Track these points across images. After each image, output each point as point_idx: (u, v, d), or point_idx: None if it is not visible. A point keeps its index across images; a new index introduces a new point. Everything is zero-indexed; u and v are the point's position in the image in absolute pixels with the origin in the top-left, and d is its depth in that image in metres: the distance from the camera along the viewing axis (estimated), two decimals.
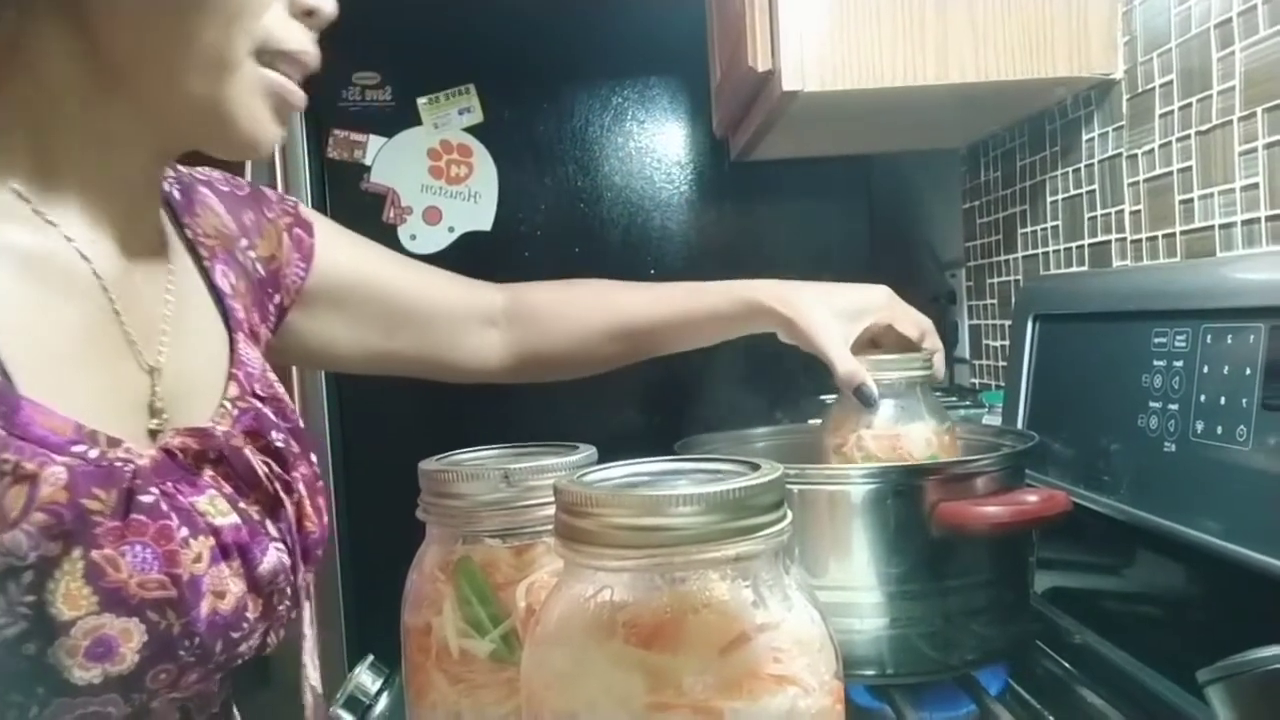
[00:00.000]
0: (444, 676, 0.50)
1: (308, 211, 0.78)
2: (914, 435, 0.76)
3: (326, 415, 1.50)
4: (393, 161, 1.50)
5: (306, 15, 0.58)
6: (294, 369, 1.49)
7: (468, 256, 1.51)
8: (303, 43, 0.58)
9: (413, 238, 1.50)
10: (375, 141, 1.49)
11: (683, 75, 1.50)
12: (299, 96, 0.59)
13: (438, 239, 1.51)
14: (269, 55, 0.56)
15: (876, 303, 0.82)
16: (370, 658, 0.75)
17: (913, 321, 0.83)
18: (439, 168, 1.50)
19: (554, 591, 0.39)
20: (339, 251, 0.80)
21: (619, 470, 0.42)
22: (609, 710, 0.35)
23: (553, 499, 0.39)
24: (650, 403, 1.47)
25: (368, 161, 1.49)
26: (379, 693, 0.73)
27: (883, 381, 0.76)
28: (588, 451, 0.54)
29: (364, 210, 1.48)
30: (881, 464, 0.76)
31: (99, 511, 0.48)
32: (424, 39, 1.48)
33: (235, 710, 0.63)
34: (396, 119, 1.49)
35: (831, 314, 0.79)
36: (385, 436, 1.49)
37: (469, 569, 0.51)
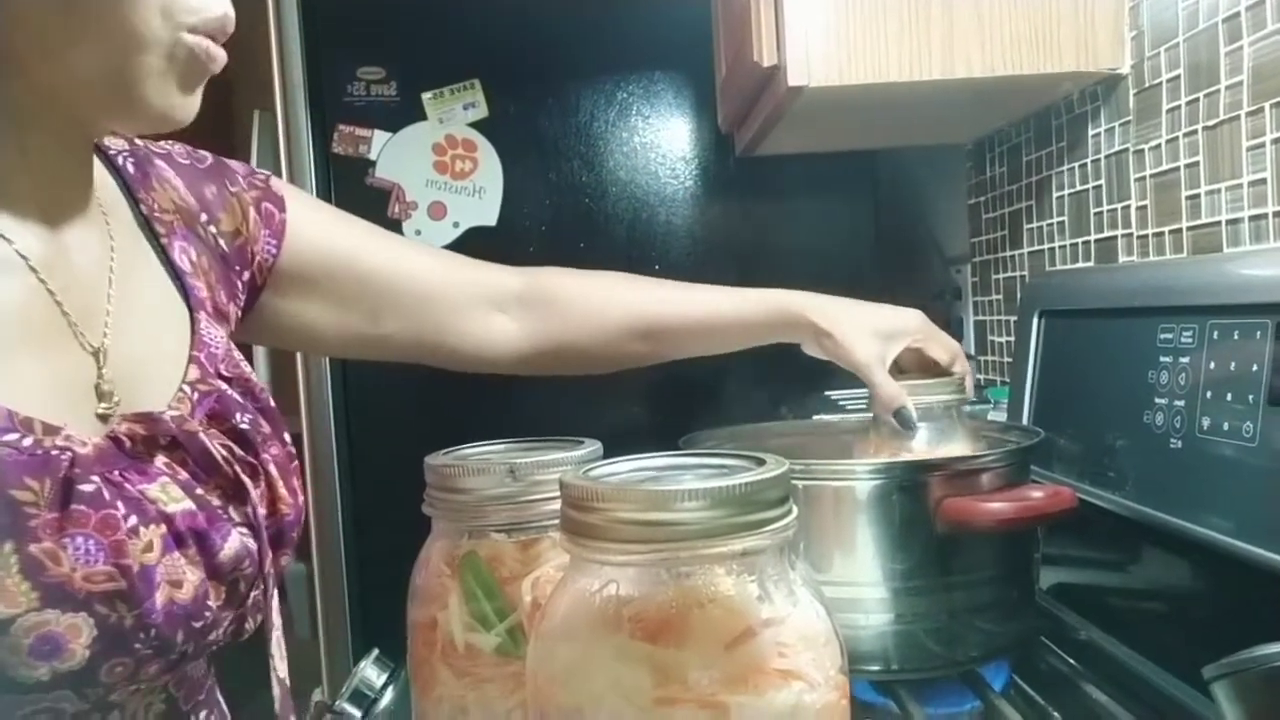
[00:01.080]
0: (450, 670, 0.50)
1: (280, 185, 0.73)
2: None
3: (331, 408, 1.50)
4: (398, 157, 1.50)
5: None
6: (299, 361, 1.50)
7: (473, 252, 1.49)
8: (220, 5, 0.54)
9: (418, 233, 1.50)
10: (380, 137, 1.49)
11: (688, 70, 1.50)
12: (217, 60, 0.54)
13: (443, 234, 1.51)
14: (188, 23, 0.52)
15: (912, 326, 0.81)
16: (375, 652, 0.75)
17: (943, 346, 0.82)
18: (444, 163, 1.50)
19: (560, 586, 0.39)
20: (315, 228, 0.74)
21: (625, 465, 0.42)
22: (615, 704, 0.35)
23: (558, 494, 0.39)
24: (656, 398, 1.47)
25: (372, 156, 1.49)
26: (384, 687, 0.73)
27: (920, 405, 0.76)
28: (593, 446, 0.54)
29: (369, 205, 1.48)
30: (888, 460, 0.76)
31: (31, 503, 0.46)
32: (429, 34, 1.48)
33: (221, 699, 0.62)
34: (401, 114, 1.49)
35: (871, 334, 0.78)
36: (391, 430, 1.49)
37: (475, 563, 0.51)
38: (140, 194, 0.63)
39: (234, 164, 0.72)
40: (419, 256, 0.81)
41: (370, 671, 0.74)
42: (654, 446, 0.45)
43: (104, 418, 0.53)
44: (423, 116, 1.50)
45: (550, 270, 0.85)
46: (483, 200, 1.51)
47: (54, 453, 0.48)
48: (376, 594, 1.51)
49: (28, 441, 0.47)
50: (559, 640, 0.38)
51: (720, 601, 0.36)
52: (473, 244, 1.51)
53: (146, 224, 0.63)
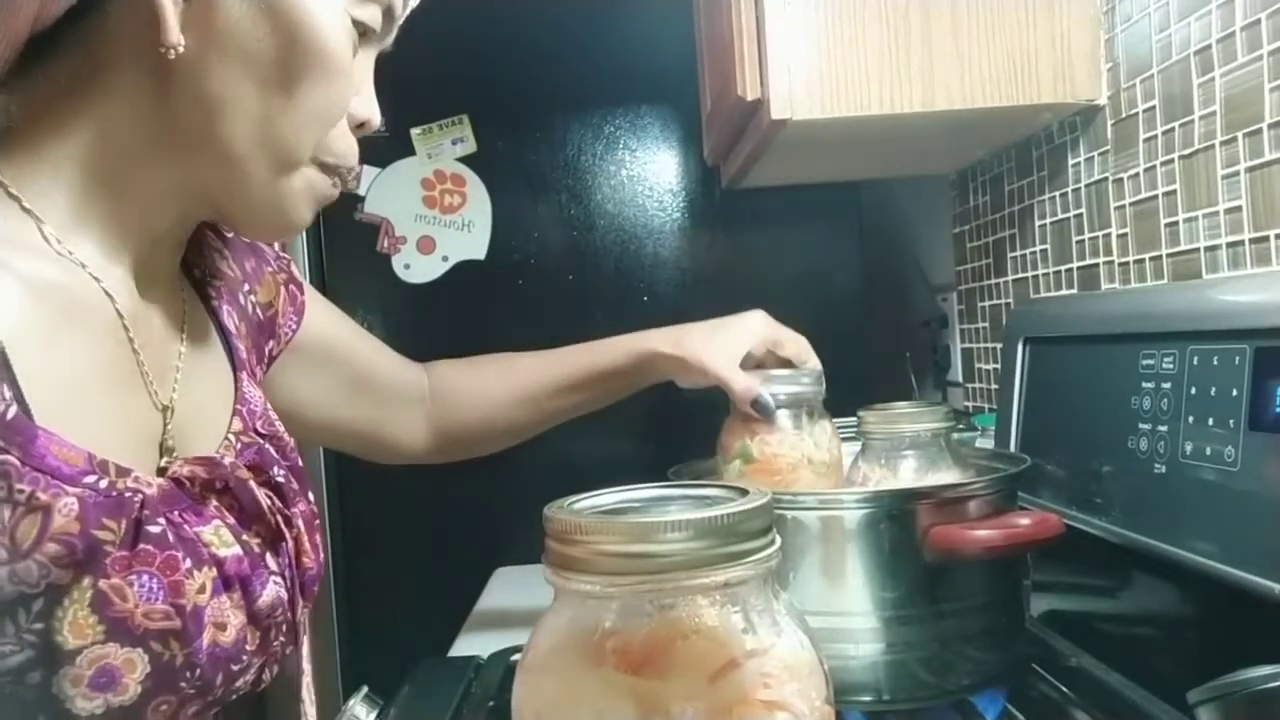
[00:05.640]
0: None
1: (297, 272, 0.81)
2: None
3: (321, 451, 1.50)
4: (386, 192, 1.51)
5: (358, 126, 0.62)
6: None
7: (463, 286, 1.52)
8: (352, 156, 0.62)
9: (406, 267, 1.51)
10: (369, 172, 1.50)
11: (674, 104, 1.52)
12: (335, 195, 0.63)
13: (432, 268, 1.51)
14: (329, 165, 0.60)
15: (755, 326, 0.88)
16: (364, 689, 0.75)
17: (791, 341, 0.89)
18: (432, 197, 1.51)
19: (543, 619, 0.39)
20: (323, 315, 0.83)
21: (609, 497, 0.42)
22: None
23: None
24: (646, 429, 1.48)
25: (361, 192, 1.50)
26: None
27: (905, 433, 0.78)
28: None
29: (358, 240, 1.49)
30: (874, 489, 0.76)
31: (109, 541, 0.48)
32: (417, 70, 1.49)
33: None
34: (390, 149, 1.50)
35: (716, 345, 0.86)
36: (380, 471, 1.49)
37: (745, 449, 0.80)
38: (194, 257, 0.68)
39: (264, 247, 0.78)
40: (384, 354, 0.91)
41: (359, 709, 0.73)
42: (644, 478, 0.45)
43: (162, 471, 0.56)
44: (411, 152, 1.51)
45: (441, 363, 0.95)
46: (471, 234, 1.52)
47: (127, 494, 0.50)
48: (365, 631, 1.50)
49: (104, 483, 0.49)
50: (543, 673, 0.38)
51: (704, 633, 0.36)
52: (462, 278, 1.52)
53: (199, 285, 0.68)
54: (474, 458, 0.99)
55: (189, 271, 0.67)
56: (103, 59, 0.54)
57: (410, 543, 1.49)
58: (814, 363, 0.89)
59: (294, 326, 0.79)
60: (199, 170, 0.57)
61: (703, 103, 1.35)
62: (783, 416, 0.83)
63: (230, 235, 0.73)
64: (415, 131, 1.51)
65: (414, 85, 1.49)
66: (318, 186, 0.61)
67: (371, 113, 0.63)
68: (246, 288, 0.73)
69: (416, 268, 1.51)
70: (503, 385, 0.93)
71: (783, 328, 0.90)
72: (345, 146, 0.61)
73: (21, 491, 0.46)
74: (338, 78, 0.57)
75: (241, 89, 0.54)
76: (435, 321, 1.52)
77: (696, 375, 0.87)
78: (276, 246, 0.81)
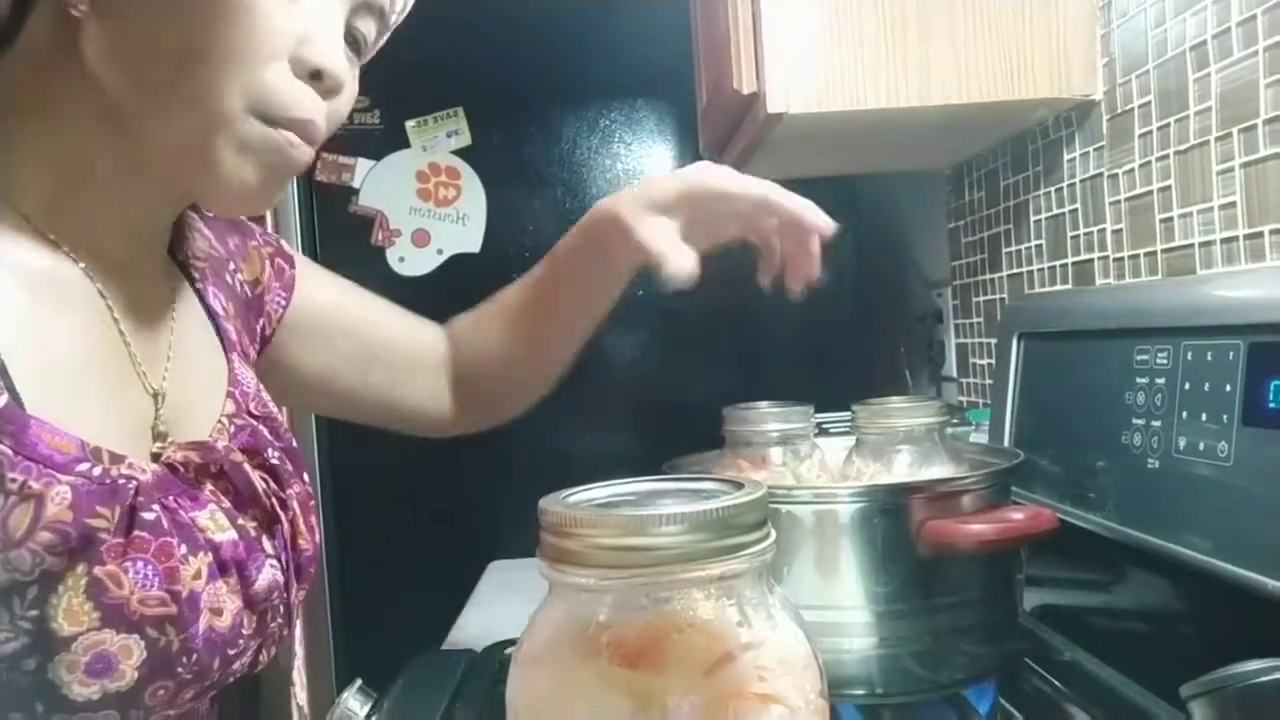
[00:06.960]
0: None
1: (288, 246, 0.79)
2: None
3: (315, 439, 1.50)
4: (381, 184, 1.50)
5: (313, 78, 0.55)
6: None
7: (457, 279, 1.52)
8: (306, 109, 0.55)
9: (401, 260, 1.50)
10: (364, 164, 1.50)
11: (669, 98, 1.52)
12: (300, 156, 0.56)
13: (427, 261, 1.51)
14: (271, 117, 0.54)
15: (687, 170, 0.76)
16: (359, 681, 0.75)
17: (736, 181, 0.77)
18: (427, 190, 1.51)
19: (538, 612, 0.39)
20: (318, 286, 0.80)
21: (604, 490, 0.42)
22: None
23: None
24: (640, 423, 1.48)
25: (356, 184, 1.50)
26: (367, 717, 0.73)
27: (900, 427, 0.78)
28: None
29: (352, 233, 1.49)
30: (869, 483, 0.76)
31: (103, 529, 0.48)
32: (413, 63, 1.48)
33: None
34: (385, 142, 1.50)
35: (647, 205, 0.74)
36: (375, 465, 1.49)
37: None
38: (176, 241, 0.67)
39: (250, 223, 0.76)
40: (397, 317, 0.86)
41: (353, 702, 0.73)
42: (639, 472, 0.45)
43: (155, 456, 0.55)
44: (406, 144, 1.51)
45: (454, 320, 0.88)
46: (466, 227, 1.52)
47: (120, 481, 0.50)
48: (360, 623, 1.50)
49: (97, 471, 0.49)
50: (538, 667, 0.38)
51: (699, 626, 0.36)
52: (457, 271, 1.51)
53: (184, 269, 0.67)
54: (499, 423, 0.90)
55: (174, 256, 0.67)
56: (37, 62, 0.54)
57: (405, 536, 1.49)
58: (759, 189, 0.78)
59: (283, 302, 0.76)
60: (146, 145, 0.55)
61: (698, 96, 1.35)
62: (772, 453, 0.83)
63: (211, 214, 0.71)
64: (410, 124, 1.50)
65: (409, 78, 1.49)
66: (268, 141, 0.54)
67: (324, 60, 0.55)
68: (232, 266, 0.71)
69: (411, 261, 1.51)
70: (496, 321, 0.85)
71: (720, 168, 0.77)
72: (289, 95, 0.54)
73: (14, 481, 0.46)
74: (243, 15, 0.52)
75: (151, 42, 0.52)
76: (430, 315, 1.50)
77: (609, 227, 0.74)
78: (269, 225, 0.80)
